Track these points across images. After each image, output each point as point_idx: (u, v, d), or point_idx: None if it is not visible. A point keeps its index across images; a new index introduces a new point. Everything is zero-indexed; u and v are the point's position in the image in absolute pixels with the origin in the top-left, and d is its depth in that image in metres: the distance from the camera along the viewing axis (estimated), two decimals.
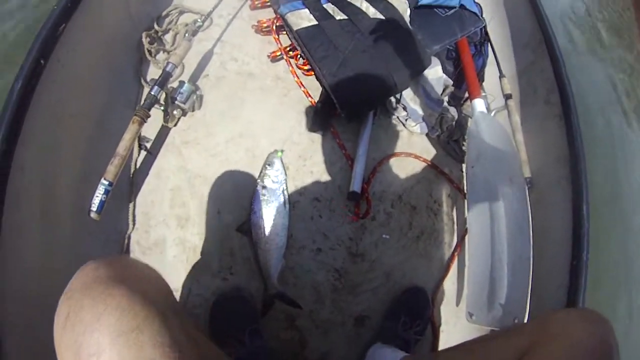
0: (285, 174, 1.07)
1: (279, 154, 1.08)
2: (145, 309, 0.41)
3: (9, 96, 0.74)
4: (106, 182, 0.88)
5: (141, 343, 0.40)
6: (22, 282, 0.74)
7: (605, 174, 1.65)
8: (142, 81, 1.16)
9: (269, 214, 1.01)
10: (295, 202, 1.09)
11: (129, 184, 1.04)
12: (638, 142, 1.90)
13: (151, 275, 0.51)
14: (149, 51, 1.17)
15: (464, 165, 1.26)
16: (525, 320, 0.88)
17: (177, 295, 0.97)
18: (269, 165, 1.06)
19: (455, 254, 1.15)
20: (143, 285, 0.45)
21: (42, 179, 0.83)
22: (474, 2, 1.28)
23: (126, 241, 0.99)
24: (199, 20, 1.18)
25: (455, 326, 1.11)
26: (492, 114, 1.21)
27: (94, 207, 0.87)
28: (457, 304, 1.13)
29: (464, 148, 1.24)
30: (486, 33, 1.31)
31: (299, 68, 1.20)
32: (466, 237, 1.14)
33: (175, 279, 0.98)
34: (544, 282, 0.97)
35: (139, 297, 0.42)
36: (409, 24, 1.13)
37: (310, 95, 1.19)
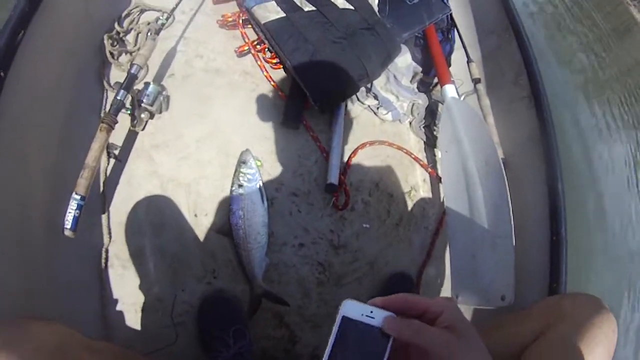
0: (259, 171, 1.06)
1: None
2: None
3: None
4: (78, 197, 0.83)
5: None
6: None
7: (573, 149, 1.73)
8: (106, 85, 1.10)
9: (248, 214, 1.00)
10: (273, 198, 1.08)
11: (101, 195, 0.99)
12: (597, 116, 1.99)
13: (32, 331, 0.54)
14: (111, 53, 1.12)
15: (436, 150, 1.28)
16: (513, 296, 0.90)
17: (164, 305, 0.95)
18: (242, 163, 1.04)
19: (435, 237, 1.18)
20: (15, 345, 0.49)
21: (10, 197, 0.78)
22: None
23: (104, 255, 0.95)
24: (161, 17, 1.14)
25: None
26: (462, 98, 1.23)
27: (68, 225, 0.81)
28: (442, 286, 1.16)
29: (435, 133, 1.27)
30: (452, 19, 1.33)
31: (267, 62, 1.18)
32: (444, 220, 1.17)
33: (160, 289, 0.96)
34: (526, 258, 0.99)
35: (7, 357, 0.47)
36: (377, 13, 1.13)
37: (280, 89, 1.17)
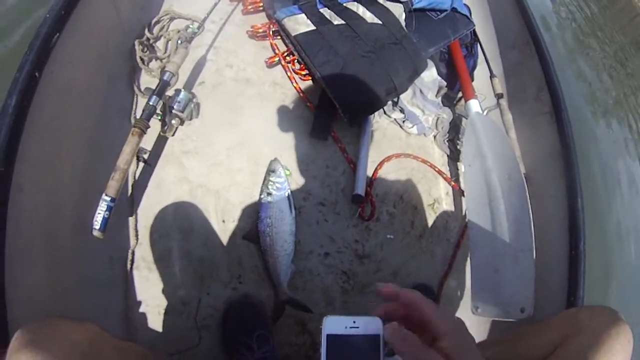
0: (288, 180, 1.07)
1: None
2: None
3: (3, 113, 0.70)
4: (108, 198, 0.85)
5: None
6: (28, 312, 0.71)
7: (593, 164, 1.74)
8: (136, 90, 1.13)
9: (276, 221, 1.01)
10: (301, 207, 1.09)
11: (129, 198, 1.01)
12: (615, 131, 2.00)
13: (64, 331, 0.54)
14: (142, 59, 1.14)
15: (460, 164, 1.29)
16: (532, 309, 0.91)
17: (188, 308, 0.96)
18: (272, 172, 1.05)
19: (457, 249, 1.19)
20: (46, 344, 0.50)
21: (42, 199, 0.79)
22: (464, 4, 1.31)
23: (130, 257, 0.97)
24: (191, 26, 1.16)
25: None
26: (485, 112, 1.25)
27: (97, 225, 0.83)
28: (461, 297, 1.16)
29: (459, 147, 1.28)
30: (475, 34, 1.35)
31: (296, 73, 1.20)
32: (466, 233, 1.18)
33: (185, 292, 0.97)
34: (545, 271, 1.00)
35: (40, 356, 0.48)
36: (404, 28, 1.15)
37: (309, 101, 1.19)
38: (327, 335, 0.39)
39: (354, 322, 0.39)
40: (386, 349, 0.38)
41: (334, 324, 0.39)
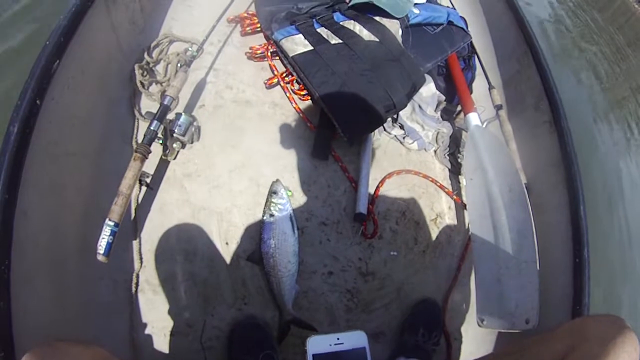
0: (290, 201, 1.07)
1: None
2: None
3: (5, 140, 0.71)
4: (112, 223, 0.86)
5: None
6: (34, 336, 0.72)
7: (594, 171, 1.73)
8: (137, 114, 1.13)
9: (279, 242, 1.02)
10: (303, 227, 1.09)
11: (132, 221, 1.02)
12: (616, 135, 1.99)
13: (71, 354, 0.57)
14: (142, 83, 1.16)
15: (461, 177, 1.29)
16: (537, 320, 0.91)
17: (193, 330, 0.96)
18: (273, 193, 1.06)
19: (461, 263, 1.18)
20: None
21: (46, 224, 0.80)
22: (460, 16, 1.32)
23: (135, 280, 0.97)
24: (190, 49, 1.17)
25: (466, 332, 1.14)
26: (485, 125, 1.25)
27: (101, 250, 0.84)
28: (467, 311, 1.16)
29: (459, 160, 1.28)
30: (472, 46, 1.35)
31: (296, 93, 1.20)
32: (470, 246, 1.18)
33: (190, 315, 0.97)
34: (549, 281, 1.00)
35: None
36: (401, 44, 1.15)
37: (309, 121, 1.19)
38: (313, 356, 0.40)
39: (338, 338, 0.41)
40: None
41: (319, 344, 0.40)
